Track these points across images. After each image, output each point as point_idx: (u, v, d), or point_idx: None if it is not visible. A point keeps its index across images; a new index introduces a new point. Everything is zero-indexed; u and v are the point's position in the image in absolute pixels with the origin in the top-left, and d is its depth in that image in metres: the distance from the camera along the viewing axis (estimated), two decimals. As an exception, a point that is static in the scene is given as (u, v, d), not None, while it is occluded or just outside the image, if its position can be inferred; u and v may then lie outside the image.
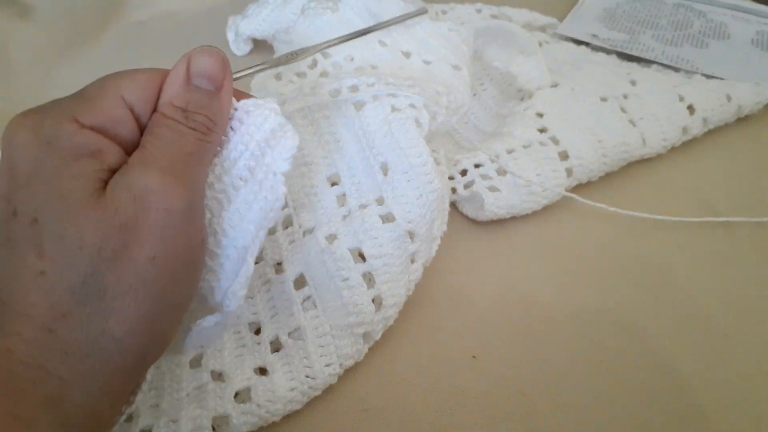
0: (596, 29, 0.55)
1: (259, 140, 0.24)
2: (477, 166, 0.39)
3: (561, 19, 0.57)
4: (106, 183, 0.20)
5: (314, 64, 0.45)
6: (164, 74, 0.23)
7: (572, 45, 0.54)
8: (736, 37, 0.54)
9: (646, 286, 0.35)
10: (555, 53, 0.51)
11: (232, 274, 0.24)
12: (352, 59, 0.43)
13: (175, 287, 0.21)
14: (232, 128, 0.24)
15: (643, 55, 0.51)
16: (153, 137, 0.21)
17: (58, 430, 0.18)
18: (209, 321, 0.25)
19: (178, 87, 0.23)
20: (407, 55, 0.42)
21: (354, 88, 0.36)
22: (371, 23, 0.44)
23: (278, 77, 0.46)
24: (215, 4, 0.61)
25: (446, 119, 0.36)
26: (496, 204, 0.37)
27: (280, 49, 0.49)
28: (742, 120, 0.46)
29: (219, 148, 0.24)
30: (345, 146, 0.36)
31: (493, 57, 0.47)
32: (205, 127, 0.22)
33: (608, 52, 0.52)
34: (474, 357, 0.32)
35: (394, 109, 0.34)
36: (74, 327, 0.19)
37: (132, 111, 0.22)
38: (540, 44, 0.51)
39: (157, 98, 0.23)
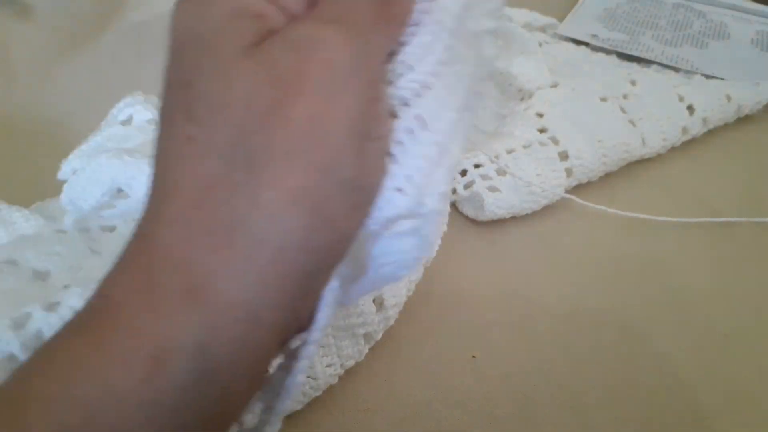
0: (596, 29, 0.55)
1: (455, 13, 0.20)
2: (477, 166, 0.39)
3: (561, 19, 0.57)
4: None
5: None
6: None
7: (572, 45, 0.54)
8: (736, 37, 0.54)
9: (646, 286, 0.35)
10: (555, 53, 0.51)
11: (426, 169, 0.19)
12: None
13: (345, 158, 0.17)
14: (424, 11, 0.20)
15: (642, 55, 0.52)
16: (325, 3, 0.18)
17: (201, 330, 0.15)
18: (404, 225, 0.19)
19: None
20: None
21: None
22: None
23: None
24: (215, 4, 0.61)
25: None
26: (496, 204, 0.37)
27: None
28: (742, 120, 0.46)
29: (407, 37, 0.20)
30: None
31: (493, 56, 0.47)
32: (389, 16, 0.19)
33: (608, 52, 0.53)
34: (474, 357, 0.32)
35: None
36: (222, 201, 0.16)
37: None
38: (540, 44, 0.51)
39: None
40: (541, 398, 0.30)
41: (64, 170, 0.36)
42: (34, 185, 0.42)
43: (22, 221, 0.34)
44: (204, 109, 0.17)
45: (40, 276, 0.30)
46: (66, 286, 0.28)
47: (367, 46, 0.18)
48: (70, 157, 0.37)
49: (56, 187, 0.39)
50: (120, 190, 0.33)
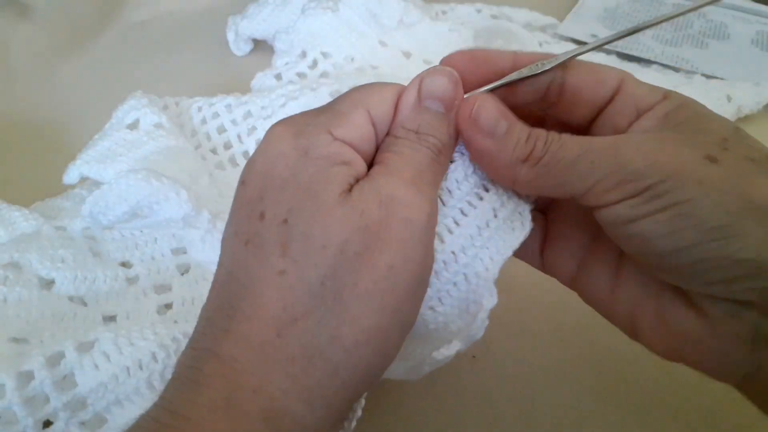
0: (596, 29, 0.55)
1: None
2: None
3: (561, 19, 0.57)
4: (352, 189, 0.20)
5: (314, 64, 0.45)
6: (402, 89, 0.23)
7: (572, 45, 0.54)
8: (736, 37, 0.54)
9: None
10: (555, 53, 0.51)
11: (460, 301, 0.23)
12: (352, 59, 0.43)
13: (408, 302, 0.20)
14: (461, 152, 0.23)
15: (643, 55, 0.52)
16: (391, 154, 0.21)
17: None
18: (451, 349, 0.23)
19: (409, 109, 0.22)
20: (407, 55, 0.42)
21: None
22: (371, 23, 0.44)
23: (278, 77, 0.46)
24: (215, 4, 0.61)
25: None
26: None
27: (280, 49, 0.49)
28: (742, 120, 0.46)
29: (447, 172, 0.23)
30: None
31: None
32: (436, 148, 0.22)
33: (608, 52, 0.53)
34: (474, 357, 0.32)
35: None
36: (305, 332, 0.18)
37: (374, 127, 0.22)
38: (540, 44, 0.52)
39: (395, 114, 0.22)
40: (541, 398, 0.30)
41: (71, 174, 0.36)
42: (34, 185, 0.42)
43: (21, 221, 0.34)
44: (299, 247, 0.19)
45: (46, 285, 0.30)
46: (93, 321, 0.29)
47: (434, 203, 0.21)
48: (78, 161, 0.36)
49: (56, 187, 0.39)
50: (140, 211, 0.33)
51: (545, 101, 0.23)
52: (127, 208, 0.31)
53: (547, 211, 0.26)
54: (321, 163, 0.20)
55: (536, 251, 0.26)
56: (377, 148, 0.22)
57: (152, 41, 0.57)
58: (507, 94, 0.23)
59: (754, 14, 0.57)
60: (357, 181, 0.20)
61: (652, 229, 0.19)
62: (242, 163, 0.39)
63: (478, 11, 0.55)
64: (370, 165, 0.22)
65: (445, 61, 0.23)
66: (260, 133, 0.38)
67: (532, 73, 0.23)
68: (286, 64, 0.46)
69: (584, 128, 0.23)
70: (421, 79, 0.22)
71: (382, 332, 0.19)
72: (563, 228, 0.25)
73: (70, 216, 0.35)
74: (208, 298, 0.20)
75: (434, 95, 0.22)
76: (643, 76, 0.23)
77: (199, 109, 0.42)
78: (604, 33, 0.55)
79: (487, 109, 0.22)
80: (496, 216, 0.23)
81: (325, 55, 0.44)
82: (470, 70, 0.23)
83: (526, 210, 0.24)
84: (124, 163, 0.34)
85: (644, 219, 0.19)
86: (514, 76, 0.23)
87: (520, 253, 0.24)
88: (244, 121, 0.40)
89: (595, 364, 0.32)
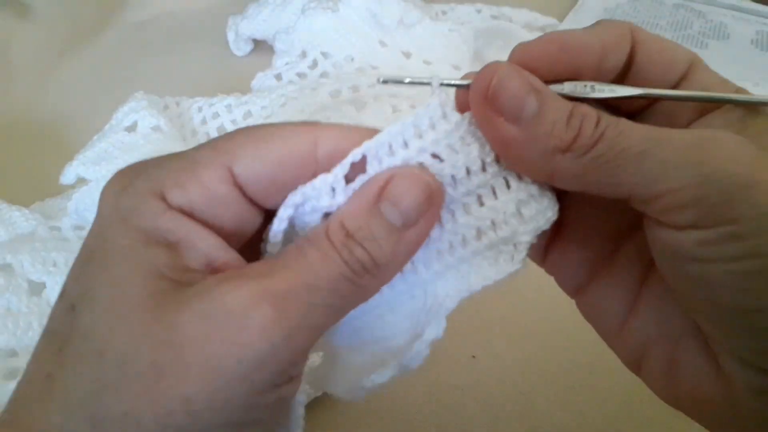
0: (596, 29, 0.55)
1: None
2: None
3: (561, 19, 0.57)
4: (179, 283, 0.15)
5: (315, 64, 0.45)
6: (309, 147, 0.17)
7: (572, 45, 0.54)
8: (736, 37, 0.54)
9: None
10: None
11: (412, 316, 0.19)
12: (352, 59, 0.43)
13: None
14: (452, 149, 0.18)
15: (642, 55, 0.51)
16: (293, 248, 0.16)
17: None
18: (384, 375, 0.18)
19: (359, 204, 0.17)
20: (407, 55, 0.42)
21: (355, 88, 0.36)
22: (371, 23, 0.44)
23: (279, 77, 0.46)
24: (215, 4, 0.61)
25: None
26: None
27: (280, 49, 0.49)
28: (742, 120, 0.46)
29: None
30: None
31: (493, 57, 0.47)
32: (360, 265, 0.16)
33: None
34: (474, 357, 0.32)
35: (395, 110, 0.34)
36: None
37: (240, 189, 0.17)
38: (540, 44, 0.51)
39: (296, 182, 0.17)
40: (541, 398, 0.30)
41: (68, 175, 0.36)
42: (34, 185, 0.42)
43: (21, 220, 0.34)
44: (75, 347, 0.15)
45: (36, 289, 0.30)
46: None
47: (290, 340, 0.15)
48: (75, 162, 0.36)
49: (56, 187, 0.39)
50: None
51: (602, 77, 0.18)
52: None
53: (561, 200, 0.20)
54: (135, 239, 0.15)
55: (540, 244, 0.20)
56: (267, 216, 0.17)
57: (152, 41, 0.57)
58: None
59: (753, 14, 0.57)
60: (188, 270, 0.16)
61: (725, 279, 0.15)
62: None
63: (478, 11, 0.55)
64: (254, 240, 0.17)
65: (526, 49, 0.18)
66: None
67: (598, 96, 0.17)
68: (287, 64, 0.46)
69: (630, 115, 0.18)
70: (391, 176, 0.17)
71: None
72: (580, 228, 0.20)
73: (64, 215, 0.35)
74: None
75: (398, 203, 0.17)
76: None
77: (200, 109, 0.42)
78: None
79: (511, 84, 0.16)
80: (479, 238, 0.19)
81: (325, 55, 0.44)
82: (554, 61, 0.17)
83: (524, 244, 0.19)
84: (119, 165, 0.34)
85: (718, 263, 0.15)
86: (578, 89, 0.17)
87: None
88: (244, 121, 0.40)
89: (594, 364, 0.32)
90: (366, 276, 0.16)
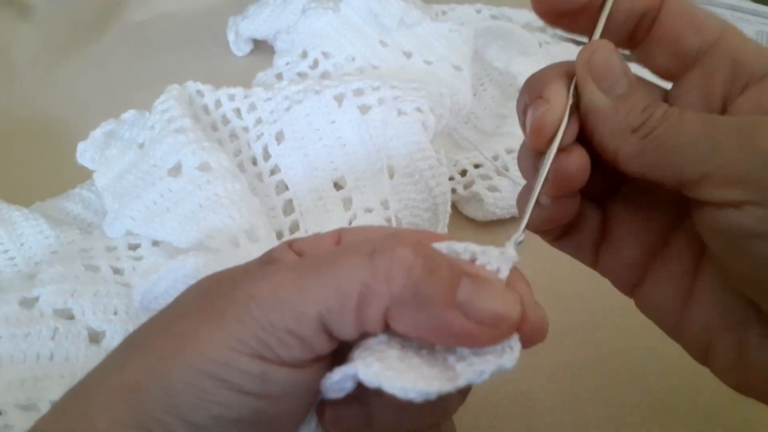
0: (596, 30, 0.55)
1: None
2: (476, 166, 0.39)
3: (561, 19, 0.57)
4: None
5: (315, 64, 0.45)
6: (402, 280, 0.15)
7: (572, 45, 0.54)
8: (736, 38, 0.54)
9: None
10: (555, 53, 0.51)
11: None
12: (353, 59, 0.43)
13: None
14: None
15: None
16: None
17: None
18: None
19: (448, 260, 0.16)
20: (408, 55, 0.43)
21: (359, 92, 0.36)
22: (372, 23, 0.44)
23: (279, 77, 0.46)
24: (215, 4, 0.62)
25: (449, 120, 0.37)
26: (495, 204, 0.37)
27: (281, 49, 0.49)
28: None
29: None
30: (350, 150, 0.36)
31: (494, 57, 0.47)
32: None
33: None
34: (474, 357, 0.32)
35: (400, 112, 0.35)
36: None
37: (330, 332, 0.16)
38: (540, 45, 0.52)
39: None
40: (540, 396, 0.30)
41: (116, 228, 0.33)
42: (34, 185, 0.42)
43: (21, 220, 0.34)
44: None
45: (95, 338, 0.28)
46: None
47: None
48: (125, 219, 0.32)
49: (56, 187, 0.40)
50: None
51: (633, 39, 0.20)
52: (182, 288, 0.29)
53: (606, 201, 0.21)
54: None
55: (589, 247, 0.22)
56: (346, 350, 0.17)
57: (153, 41, 0.57)
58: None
59: (754, 14, 0.57)
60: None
61: None
62: (249, 167, 0.37)
63: (478, 12, 0.55)
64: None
65: None
66: (267, 139, 0.38)
67: None
68: (287, 64, 0.46)
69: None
70: (479, 254, 0.18)
71: None
72: (626, 227, 0.21)
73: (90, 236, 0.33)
74: None
75: (478, 296, 0.16)
76: (643, 75, 0.21)
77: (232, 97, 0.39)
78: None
79: (611, 63, 0.18)
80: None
81: (326, 55, 0.44)
82: None
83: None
84: (173, 220, 0.31)
85: None
86: None
87: (569, 247, 0.21)
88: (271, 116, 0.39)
89: (594, 364, 0.32)
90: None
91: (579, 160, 0.19)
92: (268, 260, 0.18)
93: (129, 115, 0.38)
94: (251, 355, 0.15)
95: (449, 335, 0.16)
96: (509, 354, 0.17)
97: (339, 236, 0.20)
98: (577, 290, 0.35)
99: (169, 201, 0.31)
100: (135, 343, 0.17)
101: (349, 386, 0.16)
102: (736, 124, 0.16)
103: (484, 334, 0.16)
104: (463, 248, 0.18)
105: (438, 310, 0.15)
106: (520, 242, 0.19)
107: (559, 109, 0.19)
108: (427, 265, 0.15)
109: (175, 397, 0.15)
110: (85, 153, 0.37)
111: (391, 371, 0.15)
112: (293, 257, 0.19)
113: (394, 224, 0.32)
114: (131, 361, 0.16)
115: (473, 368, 0.16)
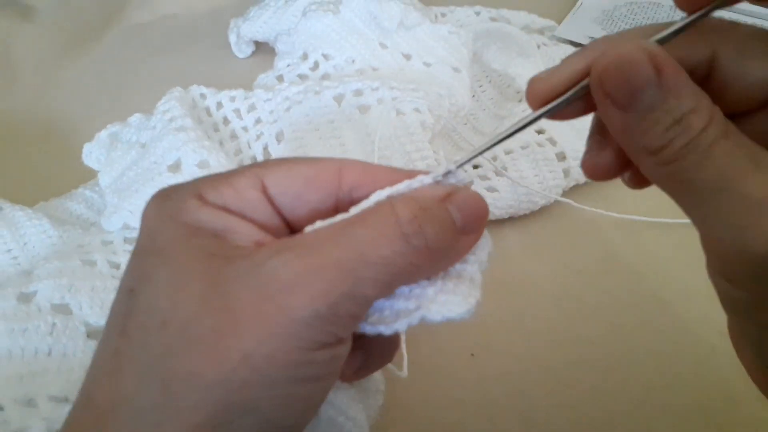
0: (594, 32, 0.56)
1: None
2: (475, 166, 0.39)
3: (559, 21, 0.57)
4: (231, 258, 0.17)
5: (316, 66, 0.45)
6: (333, 173, 0.19)
7: (570, 47, 0.54)
8: (734, 40, 0.54)
9: (643, 286, 0.36)
10: (553, 55, 0.52)
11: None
12: (353, 61, 0.43)
13: (266, 401, 0.16)
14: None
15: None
16: (337, 227, 0.18)
17: None
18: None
19: (429, 194, 0.18)
20: (408, 57, 0.43)
21: (358, 92, 0.36)
22: (372, 25, 0.44)
23: (280, 79, 0.46)
24: (217, 6, 0.62)
25: (448, 121, 0.37)
26: (494, 204, 0.38)
27: (282, 51, 0.50)
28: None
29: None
30: (350, 150, 0.36)
31: (492, 59, 0.47)
32: (424, 242, 0.17)
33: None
34: (472, 355, 0.32)
35: (399, 113, 0.35)
36: (125, 423, 0.16)
37: (272, 201, 0.19)
38: (538, 46, 0.52)
39: (317, 199, 0.19)
40: (539, 396, 0.30)
41: (114, 221, 0.33)
42: (37, 185, 0.42)
43: (24, 220, 0.35)
44: (136, 323, 0.17)
45: (93, 333, 0.28)
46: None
47: (337, 306, 0.17)
48: (123, 212, 0.33)
49: (58, 187, 0.40)
50: None
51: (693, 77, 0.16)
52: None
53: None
54: (182, 231, 0.17)
55: None
56: (293, 228, 0.19)
57: (154, 43, 0.57)
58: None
59: (753, 15, 0.57)
60: (237, 248, 0.17)
61: None
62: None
63: (477, 14, 0.55)
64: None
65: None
66: (267, 139, 0.38)
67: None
68: (288, 65, 0.46)
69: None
70: (454, 188, 0.19)
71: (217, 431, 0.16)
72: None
73: (87, 232, 0.34)
74: None
75: (462, 209, 0.18)
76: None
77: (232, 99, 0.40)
78: (602, 35, 0.55)
79: (632, 71, 0.15)
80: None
81: (326, 56, 0.44)
82: None
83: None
84: None
85: None
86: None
87: None
88: (253, 127, 0.40)
89: (592, 363, 0.32)
90: (422, 257, 0.17)
91: (603, 160, 0.18)
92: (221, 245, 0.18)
93: (134, 118, 0.38)
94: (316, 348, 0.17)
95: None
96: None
97: (339, 169, 0.20)
98: (574, 291, 0.35)
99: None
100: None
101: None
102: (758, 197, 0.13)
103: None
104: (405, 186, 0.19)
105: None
106: (459, 166, 0.20)
107: (553, 79, 0.18)
108: (441, 222, 0.18)
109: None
110: (91, 154, 0.37)
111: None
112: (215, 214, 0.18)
113: None
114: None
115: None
